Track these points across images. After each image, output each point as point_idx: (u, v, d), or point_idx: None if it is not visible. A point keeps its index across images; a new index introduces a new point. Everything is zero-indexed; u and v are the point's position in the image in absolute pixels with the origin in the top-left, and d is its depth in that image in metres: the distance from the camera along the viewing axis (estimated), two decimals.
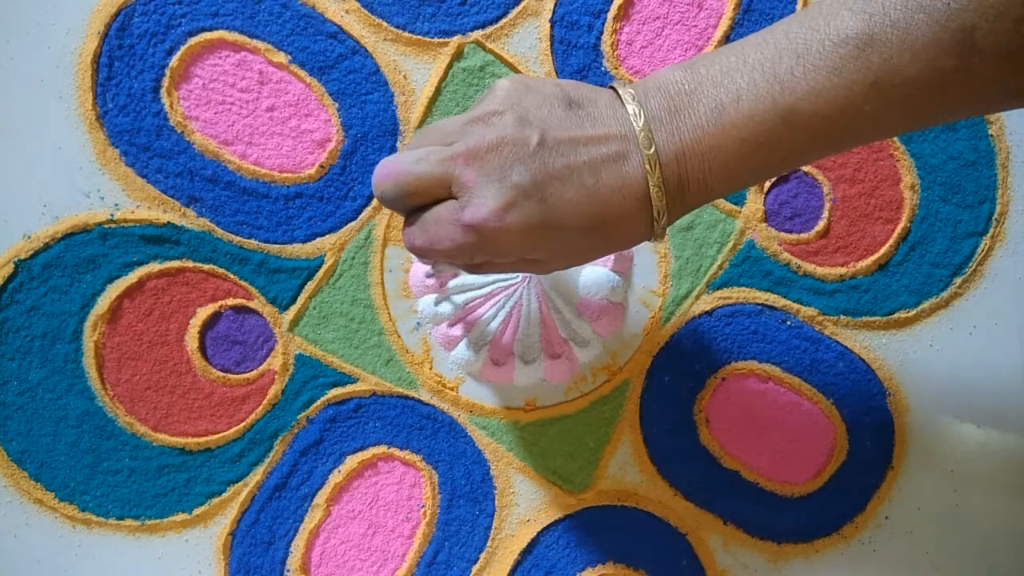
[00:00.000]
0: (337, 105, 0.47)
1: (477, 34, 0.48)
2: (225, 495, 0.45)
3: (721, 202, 0.48)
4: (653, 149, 0.31)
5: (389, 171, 0.33)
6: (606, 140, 0.31)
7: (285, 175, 0.46)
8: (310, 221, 0.46)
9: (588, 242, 0.33)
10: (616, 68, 0.48)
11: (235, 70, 0.46)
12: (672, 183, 0.31)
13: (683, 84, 0.32)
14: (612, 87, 0.33)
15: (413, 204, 0.33)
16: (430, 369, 0.47)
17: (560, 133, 0.31)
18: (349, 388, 0.46)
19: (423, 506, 0.46)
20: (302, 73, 0.47)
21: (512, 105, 0.32)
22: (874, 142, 0.32)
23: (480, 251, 0.32)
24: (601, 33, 0.48)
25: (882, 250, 0.49)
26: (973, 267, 0.49)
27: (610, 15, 0.48)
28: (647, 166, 0.31)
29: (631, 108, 0.32)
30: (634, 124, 0.31)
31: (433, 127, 0.34)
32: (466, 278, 0.47)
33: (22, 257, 0.44)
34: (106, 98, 0.45)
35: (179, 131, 0.46)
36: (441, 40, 0.48)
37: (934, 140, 0.49)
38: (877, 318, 0.49)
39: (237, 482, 0.45)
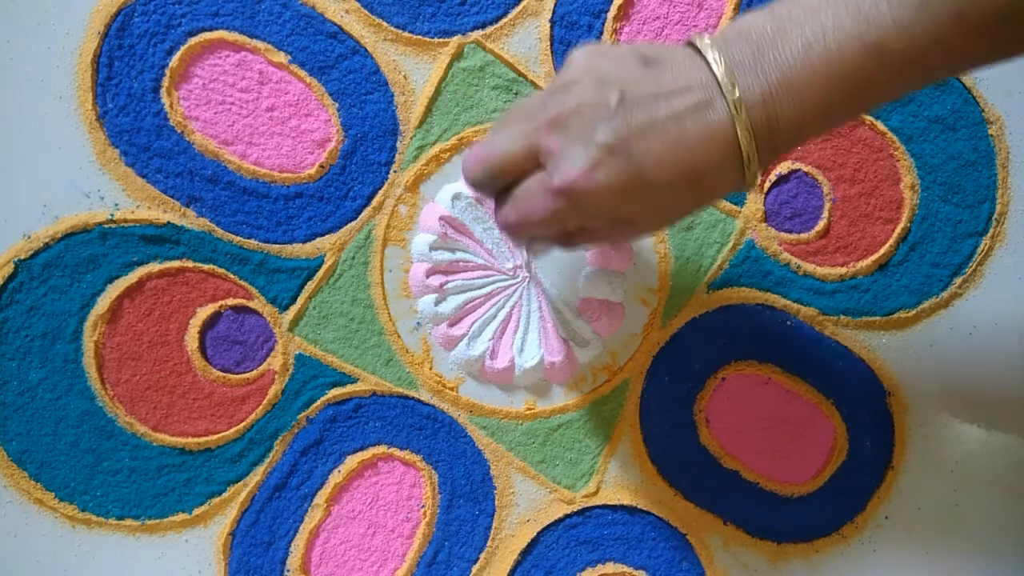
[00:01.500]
0: (337, 105, 0.47)
1: (477, 34, 0.48)
2: (225, 495, 0.45)
3: (721, 202, 0.48)
4: (738, 93, 0.31)
5: (477, 156, 0.34)
6: (687, 91, 0.31)
7: (285, 175, 0.46)
8: (310, 221, 0.46)
9: (679, 195, 0.32)
10: None
11: (235, 70, 0.46)
12: (760, 126, 0.31)
13: (765, 27, 0.31)
14: (688, 41, 0.33)
15: (504, 184, 0.34)
16: (430, 369, 0.47)
17: (640, 89, 0.31)
18: (349, 388, 0.46)
19: (423, 506, 0.46)
20: (302, 73, 0.47)
21: (588, 71, 0.32)
22: (957, 75, 0.32)
23: (572, 215, 0.32)
24: (601, 33, 0.48)
25: (882, 250, 0.49)
26: (973, 267, 0.49)
27: (610, 15, 0.48)
28: (732, 110, 0.31)
29: (711, 55, 0.31)
30: (715, 70, 0.31)
31: (513, 107, 0.35)
32: (466, 278, 0.47)
33: (22, 257, 0.44)
34: (106, 98, 0.45)
35: (179, 131, 0.46)
36: (441, 40, 0.48)
37: (934, 140, 0.49)
38: (877, 318, 0.49)
39: (237, 482, 0.45)
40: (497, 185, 0.34)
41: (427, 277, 0.46)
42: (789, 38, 0.31)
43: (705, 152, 0.31)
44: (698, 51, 0.32)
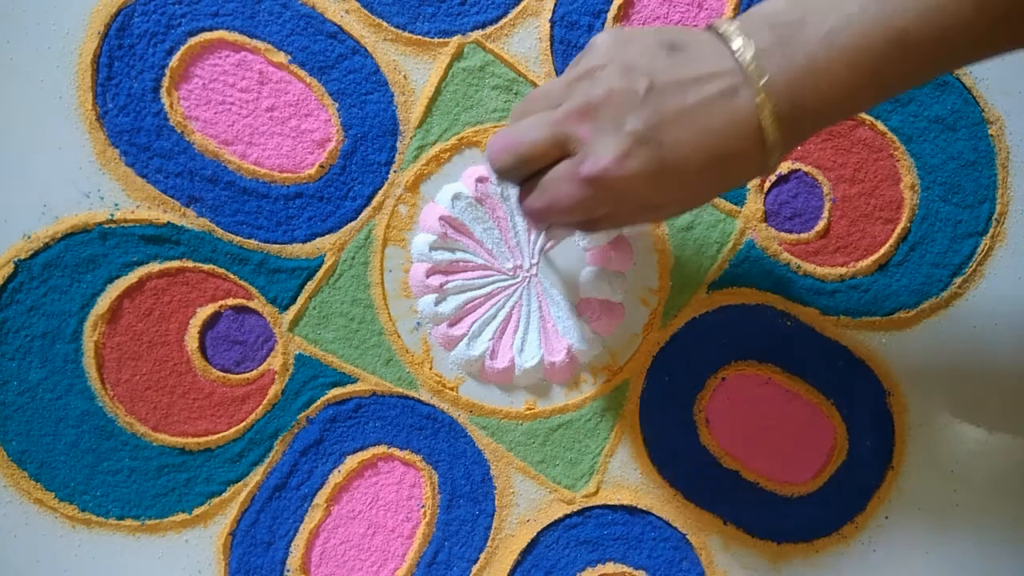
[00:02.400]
0: (337, 105, 0.47)
1: (477, 34, 0.48)
2: (225, 495, 0.45)
3: (721, 202, 0.48)
4: (764, 80, 0.31)
5: (504, 143, 0.34)
6: (714, 78, 0.31)
7: (285, 175, 0.46)
8: (310, 221, 0.46)
9: (706, 180, 0.33)
10: None
11: (235, 70, 0.46)
12: (785, 112, 0.31)
13: (789, 14, 0.31)
14: (711, 26, 0.33)
15: (530, 171, 0.34)
16: (430, 369, 0.47)
17: (667, 77, 0.31)
18: (349, 388, 0.46)
19: (423, 506, 0.46)
20: (302, 73, 0.47)
21: (614, 57, 0.32)
22: (981, 60, 0.33)
23: (601, 203, 0.33)
24: None
25: (882, 250, 0.49)
26: (973, 267, 0.49)
27: (610, 15, 0.48)
28: (759, 98, 0.31)
29: (737, 42, 0.31)
30: (742, 58, 0.31)
31: (535, 93, 0.35)
32: (467, 278, 0.47)
33: (22, 257, 0.44)
34: (106, 98, 0.45)
35: (179, 131, 0.46)
36: (441, 40, 0.48)
37: (934, 140, 0.49)
38: (877, 318, 0.49)
39: (237, 482, 0.45)
40: (523, 173, 0.34)
41: (427, 277, 0.46)
42: (813, 25, 0.31)
43: (732, 138, 0.31)
44: (722, 37, 0.32)
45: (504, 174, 0.35)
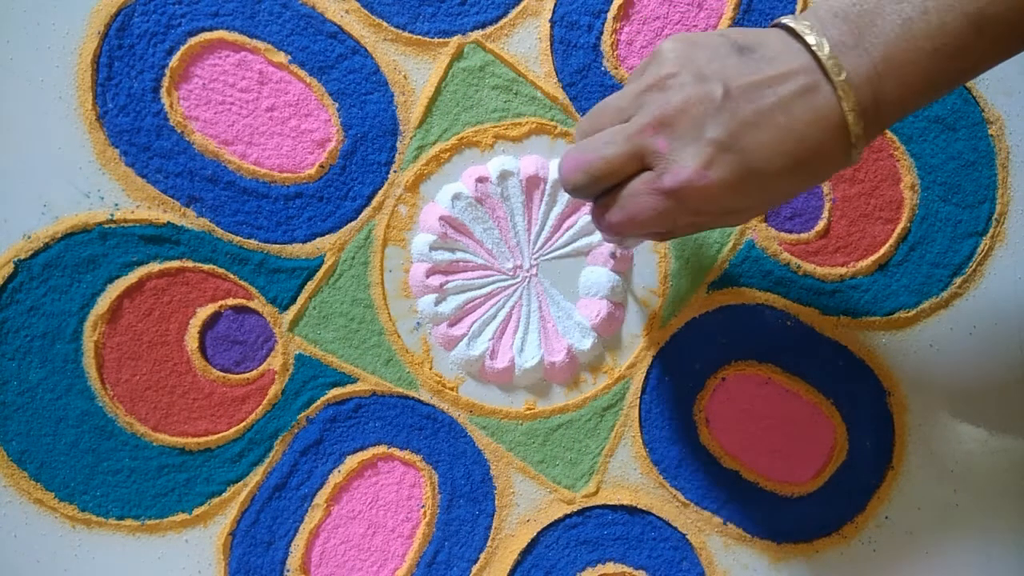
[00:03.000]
0: (337, 105, 0.47)
1: (477, 34, 0.48)
2: (225, 495, 0.45)
3: None
4: (844, 75, 0.30)
5: (577, 162, 0.33)
6: (790, 76, 0.31)
7: (285, 175, 0.46)
8: (310, 221, 0.46)
9: (791, 180, 0.32)
10: (616, 68, 0.48)
11: (235, 70, 0.46)
12: (867, 106, 0.31)
13: (861, 5, 0.31)
14: (780, 24, 0.33)
15: (604, 187, 0.33)
16: (430, 369, 0.47)
17: (742, 80, 0.31)
18: (349, 388, 0.46)
19: (423, 506, 0.46)
20: (302, 73, 0.47)
21: (684, 64, 0.32)
22: None
23: (683, 213, 0.32)
24: (601, 33, 0.48)
25: (882, 250, 0.49)
26: (973, 267, 0.49)
27: (610, 15, 0.48)
28: (840, 93, 0.30)
29: (812, 39, 0.31)
30: (819, 54, 0.31)
31: (603, 106, 0.34)
32: (467, 278, 0.47)
33: (22, 257, 0.44)
34: (106, 98, 0.45)
35: (179, 131, 0.46)
36: (441, 40, 0.48)
37: (934, 140, 0.49)
38: (877, 318, 0.49)
39: (237, 482, 0.45)
40: (598, 189, 0.34)
41: (427, 277, 0.46)
42: (887, 15, 0.30)
43: (815, 137, 0.31)
44: (793, 33, 0.32)
45: (578, 192, 0.34)
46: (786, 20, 0.32)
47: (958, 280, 0.49)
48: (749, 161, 0.31)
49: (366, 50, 0.47)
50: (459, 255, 0.47)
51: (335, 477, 0.46)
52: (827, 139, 0.31)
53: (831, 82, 0.30)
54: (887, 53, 0.30)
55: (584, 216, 0.48)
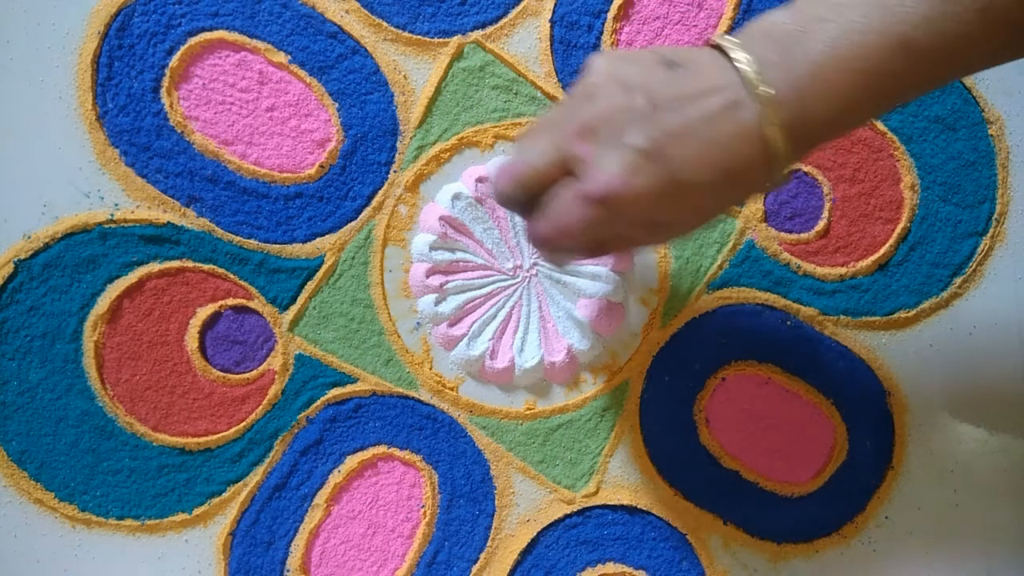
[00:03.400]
0: (337, 105, 0.47)
1: (477, 34, 0.48)
2: (225, 495, 0.45)
3: None
4: (767, 91, 0.30)
5: (507, 174, 0.33)
6: (716, 91, 0.31)
7: (285, 175, 0.46)
8: (310, 221, 0.46)
9: (714, 195, 0.32)
10: None
11: (235, 70, 0.46)
12: (790, 123, 0.31)
13: (789, 25, 0.31)
14: (710, 42, 0.33)
15: (532, 196, 0.33)
16: (430, 369, 0.47)
17: (667, 92, 0.31)
18: (349, 388, 0.46)
19: (423, 506, 0.46)
20: (302, 73, 0.47)
21: (612, 76, 0.32)
22: (988, 67, 0.33)
23: (608, 223, 0.32)
24: (601, 33, 0.48)
25: (882, 250, 0.49)
26: (973, 267, 0.49)
27: (610, 15, 0.48)
28: (763, 109, 0.30)
29: (738, 55, 0.31)
30: (745, 70, 0.31)
31: (538, 121, 0.34)
32: (467, 278, 0.47)
33: (22, 257, 0.44)
34: (106, 98, 0.45)
35: (179, 131, 0.46)
36: (441, 40, 0.48)
37: (934, 140, 0.49)
38: (877, 318, 0.49)
39: (237, 482, 0.45)
40: (527, 199, 0.34)
41: (427, 277, 0.46)
42: (815, 35, 0.31)
43: (738, 152, 0.31)
44: (722, 51, 0.32)
45: (509, 202, 0.34)
46: (715, 39, 0.33)
47: (958, 280, 0.49)
48: (674, 171, 0.31)
49: (366, 50, 0.47)
50: (459, 255, 0.47)
51: (335, 477, 0.46)
52: (750, 154, 0.31)
53: (754, 98, 0.31)
54: (813, 71, 0.30)
55: None
